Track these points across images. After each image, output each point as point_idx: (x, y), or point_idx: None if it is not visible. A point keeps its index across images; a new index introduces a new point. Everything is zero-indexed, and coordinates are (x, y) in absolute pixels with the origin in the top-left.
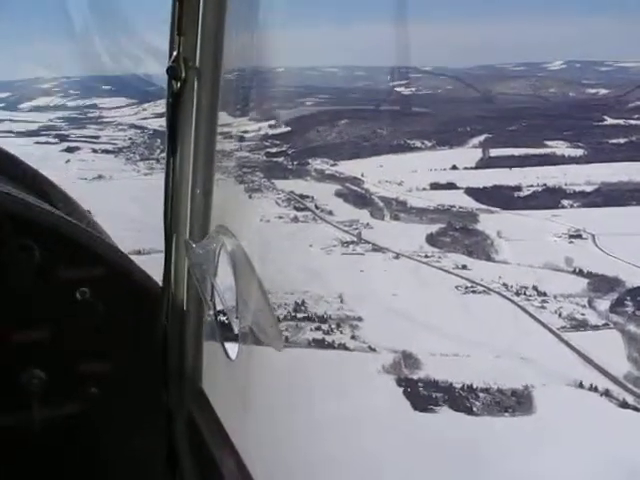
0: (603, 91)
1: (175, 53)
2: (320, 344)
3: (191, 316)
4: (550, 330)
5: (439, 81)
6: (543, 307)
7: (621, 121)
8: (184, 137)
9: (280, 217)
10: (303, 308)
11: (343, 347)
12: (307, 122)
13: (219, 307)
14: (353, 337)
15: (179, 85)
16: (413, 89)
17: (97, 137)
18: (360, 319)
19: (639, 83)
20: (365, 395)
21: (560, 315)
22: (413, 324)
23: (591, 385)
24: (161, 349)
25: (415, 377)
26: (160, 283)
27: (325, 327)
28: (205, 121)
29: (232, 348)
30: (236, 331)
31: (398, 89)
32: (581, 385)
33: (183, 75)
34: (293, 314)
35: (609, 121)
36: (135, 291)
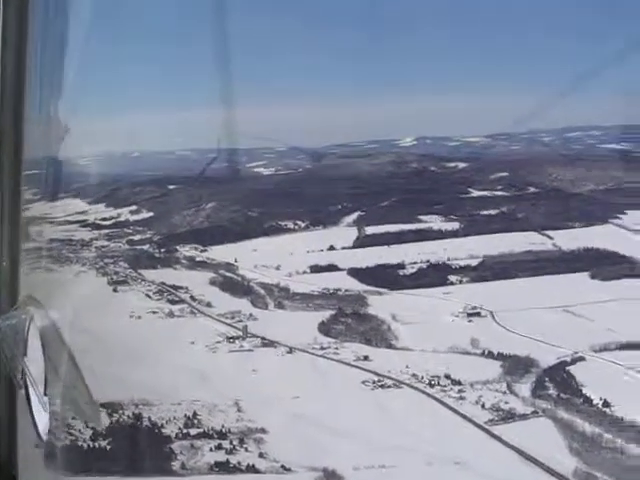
0: (462, 165)
1: None
2: (224, 468)
3: (2, 396)
4: (477, 425)
5: (297, 160)
6: (462, 398)
7: (487, 192)
8: None
9: (154, 312)
10: (196, 422)
11: (252, 469)
12: (171, 207)
13: (30, 385)
14: (261, 455)
15: None
16: (272, 169)
17: None
18: (264, 431)
19: (489, 155)
20: None
21: (483, 406)
22: (325, 432)
23: None
24: None
25: None
26: None
27: (226, 445)
28: (8, 186)
29: (45, 429)
30: (48, 410)
31: (257, 169)
32: None
33: None
34: (185, 431)
35: (475, 193)
36: None
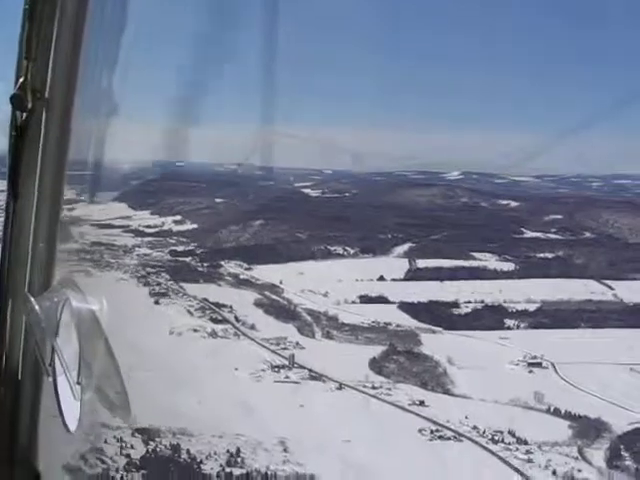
0: (513, 203)
1: (22, 80)
2: None
3: (26, 384)
4: None
5: (343, 185)
6: (530, 460)
7: (540, 234)
8: (27, 178)
9: (195, 330)
10: (239, 460)
11: None
12: (217, 220)
13: (59, 372)
14: None
15: (24, 117)
16: (319, 191)
17: None
18: (313, 478)
19: (539, 196)
20: None
21: (554, 473)
22: None
23: None
24: None
25: None
26: None
27: None
28: (52, 160)
29: (73, 421)
30: (78, 400)
31: (305, 190)
32: None
33: (30, 105)
34: (228, 470)
35: (529, 234)
36: None
